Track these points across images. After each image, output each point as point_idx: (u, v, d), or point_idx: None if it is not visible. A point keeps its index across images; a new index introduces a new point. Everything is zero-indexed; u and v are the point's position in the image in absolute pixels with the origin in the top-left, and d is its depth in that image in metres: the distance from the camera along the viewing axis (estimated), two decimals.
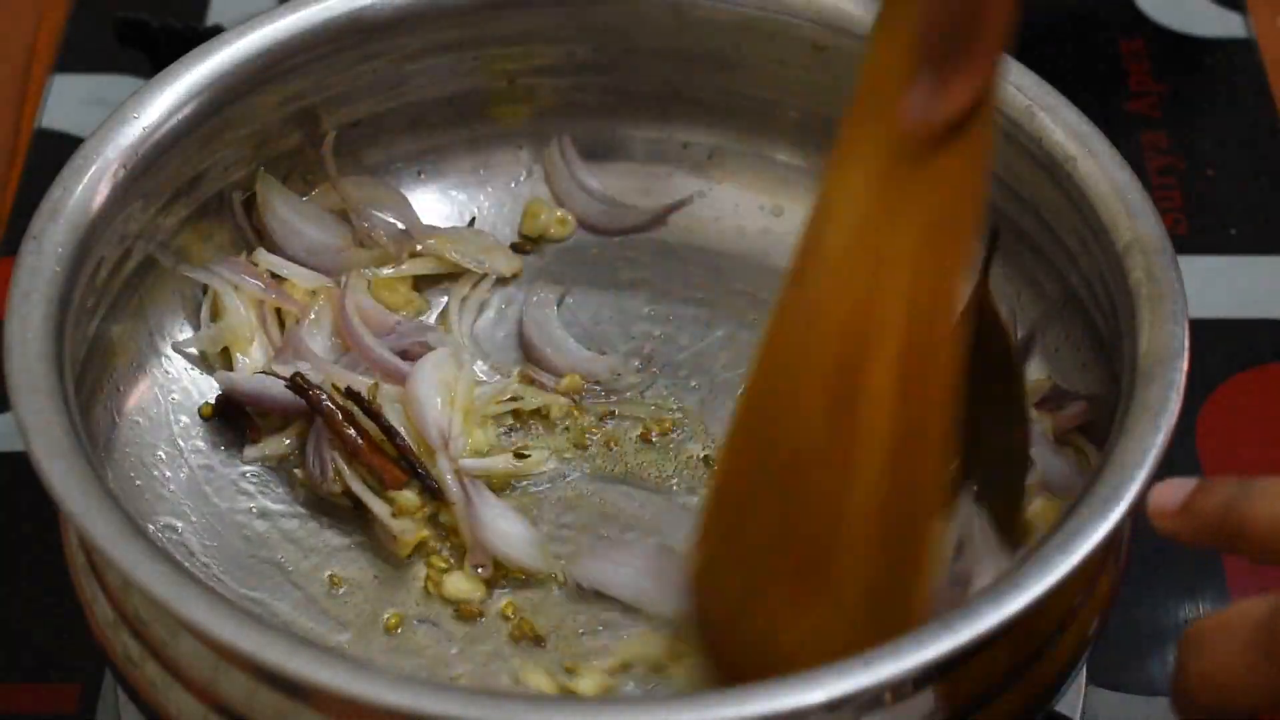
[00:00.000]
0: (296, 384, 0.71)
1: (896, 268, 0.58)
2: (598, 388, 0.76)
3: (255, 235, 0.77)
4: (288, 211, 0.77)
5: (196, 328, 0.75)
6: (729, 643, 0.63)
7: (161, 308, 0.74)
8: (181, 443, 0.73)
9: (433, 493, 0.70)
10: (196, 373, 0.75)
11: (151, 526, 0.69)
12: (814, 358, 0.59)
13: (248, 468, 0.73)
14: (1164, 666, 0.74)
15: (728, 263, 0.81)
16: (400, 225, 0.78)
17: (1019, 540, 0.66)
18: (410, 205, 0.79)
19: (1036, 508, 0.68)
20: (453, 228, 0.80)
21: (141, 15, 0.92)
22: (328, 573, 0.70)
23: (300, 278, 0.76)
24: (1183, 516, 0.56)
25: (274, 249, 0.76)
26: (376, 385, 0.72)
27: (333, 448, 0.71)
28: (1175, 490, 0.57)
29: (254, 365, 0.74)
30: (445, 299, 0.79)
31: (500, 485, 0.72)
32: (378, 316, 0.76)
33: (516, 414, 0.75)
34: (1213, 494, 0.56)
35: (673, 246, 0.81)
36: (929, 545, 0.60)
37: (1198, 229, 0.89)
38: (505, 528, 0.70)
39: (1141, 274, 0.66)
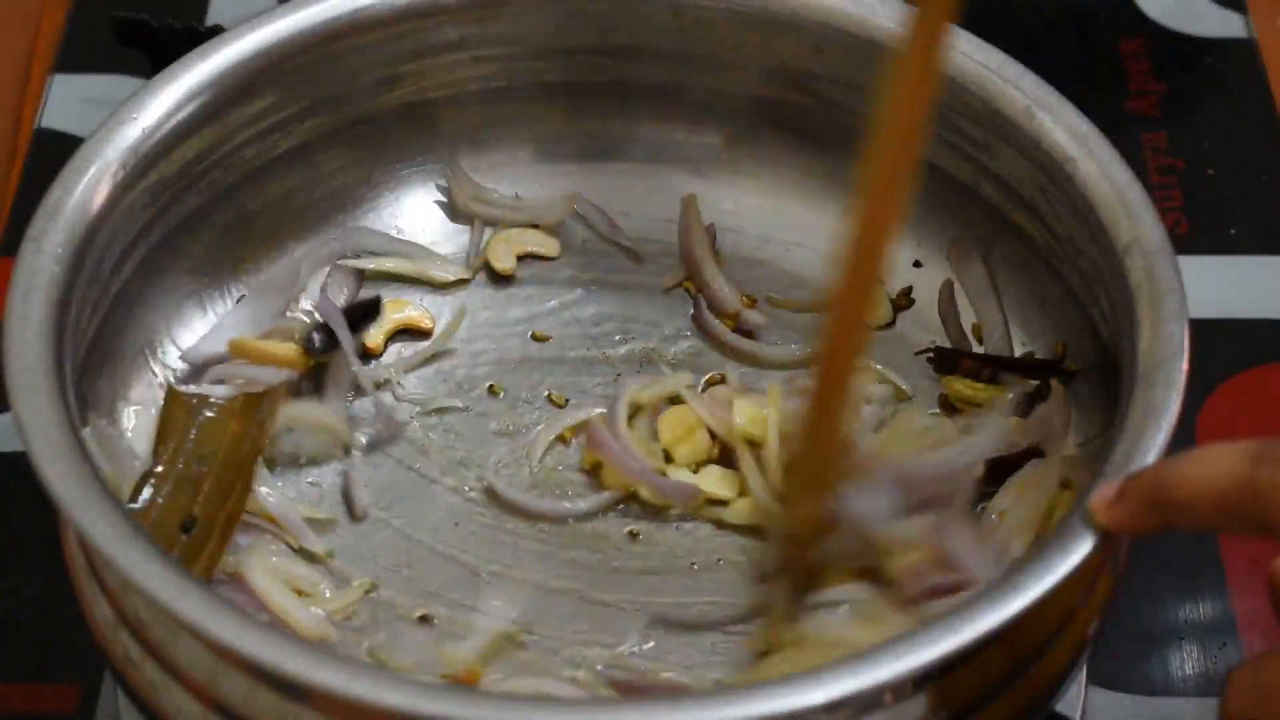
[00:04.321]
0: None
1: None
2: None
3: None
4: None
5: (195, 327, 0.75)
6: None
7: (161, 308, 0.74)
8: None
9: None
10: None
11: None
12: None
13: None
14: (1164, 666, 0.74)
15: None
16: None
17: None
18: None
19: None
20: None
21: (141, 15, 0.91)
22: None
23: None
24: (1119, 502, 0.58)
25: None
26: None
27: None
28: (1111, 485, 0.58)
29: None
30: None
31: None
32: None
33: None
34: (1143, 473, 0.58)
35: (672, 246, 0.81)
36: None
37: (1198, 229, 0.89)
38: None
39: (1141, 274, 0.66)
